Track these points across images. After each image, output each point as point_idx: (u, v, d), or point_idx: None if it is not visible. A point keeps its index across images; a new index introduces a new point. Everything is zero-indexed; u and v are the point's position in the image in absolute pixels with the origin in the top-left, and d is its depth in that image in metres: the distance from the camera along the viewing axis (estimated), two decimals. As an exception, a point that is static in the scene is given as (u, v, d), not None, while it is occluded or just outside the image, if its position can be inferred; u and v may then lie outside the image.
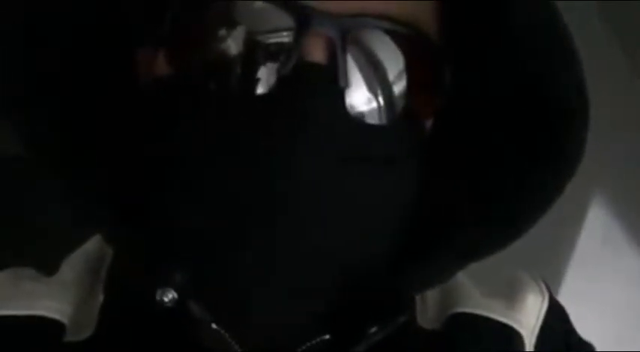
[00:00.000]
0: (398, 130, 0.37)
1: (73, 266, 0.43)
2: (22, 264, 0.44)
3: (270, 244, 0.34)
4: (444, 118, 0.40)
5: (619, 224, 1.02)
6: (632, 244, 1.03)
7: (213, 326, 0.36)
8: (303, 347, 0.37)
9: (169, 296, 0.35)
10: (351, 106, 0.35)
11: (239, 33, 0.35)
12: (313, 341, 0.37)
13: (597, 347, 0.46)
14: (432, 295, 0.43)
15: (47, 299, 0.40)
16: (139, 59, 0.40)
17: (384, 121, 0.36)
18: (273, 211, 0.34)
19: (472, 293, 0.43)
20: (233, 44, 0.35)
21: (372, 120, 0.36)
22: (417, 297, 0.43)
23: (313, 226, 0.34)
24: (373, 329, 0.37)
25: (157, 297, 0.35)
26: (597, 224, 1.01)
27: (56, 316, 0.40)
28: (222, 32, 0.35)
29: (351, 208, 0.35)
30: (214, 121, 0.35)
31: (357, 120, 0.35)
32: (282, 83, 0.34)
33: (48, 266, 0.43)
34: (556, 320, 0.44)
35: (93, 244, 0.44)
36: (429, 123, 0.40)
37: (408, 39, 0.36)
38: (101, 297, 0.41)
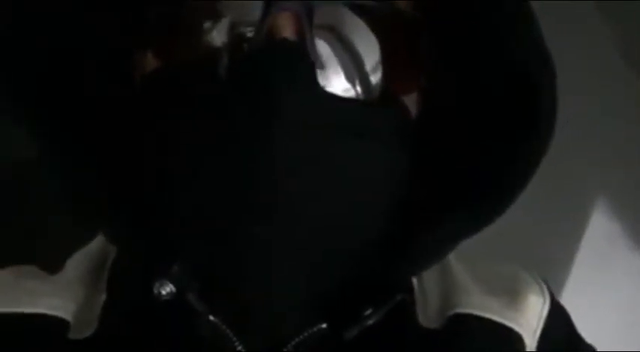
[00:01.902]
0: (375, 105, 0.37)
1: (76, 265, 0.44)
2: (26, 262, 0.45)
3: (264, 229, 0.35)
4: (427, 107, 0.41)
5: (623, 224, 1.01)
6: (637, 245, 1.03)
7: (211, 318, 0.37)
8: (301, 337, 0.38)
9: (167, 289, 0.36)
10: (324, 80, 0.35)
11: (213, 22, 0.36)
12: (310, 330, 0.38)
13: (601, 347, 0.46)
14: (433, 294, 0.43)
15: (51, 297, 0.41)
16: (135, 60, 0.40)
17: (360, 96, 0.37)
18: (259, 192, 0.34)
19: (473, 293, 0.43)
20: (214, 35, 0.36)
21: (347, 94, 0.36)
22: (418, 294, 0.43)
23: (304, 203, 0.35)
24: (368, 312, 0.38)
25: (155, 290, 0.36)
26: (602, 224, 1.01)
27: (60, 314, 0.40)
28: (204, 24, 0.36)
29: (337, 182, 0.36)
30: (197, 113, 0.35)
31: (330, 94, 0.36)
32: (251, 61, 0.35)
33: (52, 266, 0.44)
34: (558, 322, 0.45)
35: (97, 243, 0.45)
36: (412, 103, 0.40)
37: (379, 13, 0.37)
38: (104, 295, 0.41)
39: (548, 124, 0.39)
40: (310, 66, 0.35)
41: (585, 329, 0.46)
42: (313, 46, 0.35)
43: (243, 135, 0.34)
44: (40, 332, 0.39)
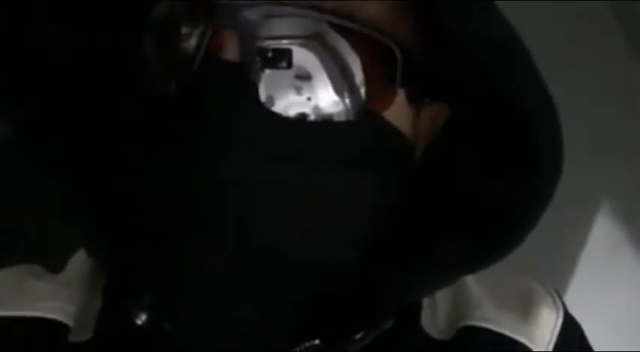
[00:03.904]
0: (322, 125, 0.36)
1: (78, 265, 0.43)
2: (28, 261, 0.44)
3: (220, 253, 0.34)
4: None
5: (626, 233, 1.01)
6: (639, 253, 1.02)
7: (191, 342, 0.36)
8: None
9: (142, 317, 0.37)
10: (309, 92, 0.35)
11: (192, 28, 0.35)
12: (302, 347, 0.37)
13: (604, 352, 0.45)
14: (443, 305, 0.42)
15: (51, 299, 0.40)
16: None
17: (349, 110, 0.36)
18: (207, 215, 0.34)
19: (484, 306, 0.42)
20: (192, 42, 0.35)
21: (335, 107, 0.35)
22: (426, 306, 0.42)
23: (253, 227, 0.34)
24: (359, 335, 0.37)
25: (132, 319, 0.36)
26: (604, 233, 1.01)
27: (59, 317, 0.40)
28: (182, 29, 0.35)
29: (286, 204, 0.35)
30: (143, 128, 0.35)
31: (276, 115, 0.34)
32: (191, 83, 0.34)
33: (55, 264, 0.44)
34: (571, 336, 0.43)
35: None
36: (398, 120, 0.38)
37: (359, 35, 0.36)
38: (100, 302, 0.41)
39: (552, 162, 0.37)
40: (251, 87, 0.34)
41: (589, 334, 0.45)
42: (255, 67, 0.34)
43: (187, 156, 0.34)
44: (39, 336, 0.39)
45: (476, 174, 0.39)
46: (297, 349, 0.37)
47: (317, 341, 0.37)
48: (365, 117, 0.36)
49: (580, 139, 0.84)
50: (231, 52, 0.34)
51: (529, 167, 0.37)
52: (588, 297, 0.92)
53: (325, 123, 0.35)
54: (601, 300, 0.95)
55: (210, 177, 0.33)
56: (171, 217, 0.35)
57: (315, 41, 0.35)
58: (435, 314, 0.42)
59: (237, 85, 0.33)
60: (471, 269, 0.39)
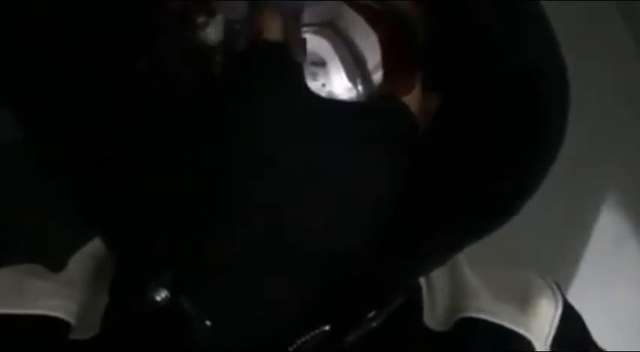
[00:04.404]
0: (374, 106, 0.37)
1: (80, 264, 0.43)
2: (28, 261, 0.44)
3: (244, 232, 0.34)
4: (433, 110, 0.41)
5: (629, 228, 1.01)
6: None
7: (207, 323, 0.36)
8: (302, 339, 0.37)
9: (161, 295, 0.36)
10: (324, 78, 0.35)
11: (207, 18, 0.35)
12: (312, 334, 0.37)
13: (609, 348, 0.45)
14: (442, 296, 0.43)
15: (52, 297, 0.40)
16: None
17: (361, 95, 0.36)
18: (242, 194, 0.34)
19: (483, 297, 0.42)
20: (208, 31, 0.35)
21: (349, 93, 0.36)
22: (426, 296, 0.42)
23: (288, 205, 0.34)
24: (371, 314, 0.37)
25: (149, 297, 0.36)
26: (608, 227, 1.01)
27: (61, 315, 0.40)
28: (198, 20, 0.35)
29: (326, 184, 0.35)
30: (186, 114, 0.35)
31: (317, 95, 0.35)
32: (236, 63, 0.34)
33: (55, 264, 0.43)
34: (571, 326, 0.43)
35: (99, 242, 0.44)
36: (413, 102, 0.39)
37: (379, 12, 0.36)
38: (106, 297, 0.41)
39: (557, 133, 0.38)
40: (296, 67, 0.34)
41: (592, 329, 0.45)
42: (300, 46, 0.35)
43: (229, 138, 0.34)
44: (40, 333, 0.39)
45: (482, 141, 0.40)
46: (308, 336, 0.37)
47: (327, 327, 0.37)
48: (382, 101, 0.37)
49: (584, 135, 0.84)
50: (274, 32, 0.34)
51: (537, 131, 0.38)
52: (592, 292, 0.92)
53: (356, 104, 0.36)
54: (605, 295, 0.95)
55: (248, 155, 0.33)
56: (197, 192, 0.35)
57: (328, 28, 0.36)
58: (434, 306, 0.42)
59: (283, 65, 0.34)
60: (473, 239, 0.39)
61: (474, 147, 0.40)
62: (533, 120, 0.38)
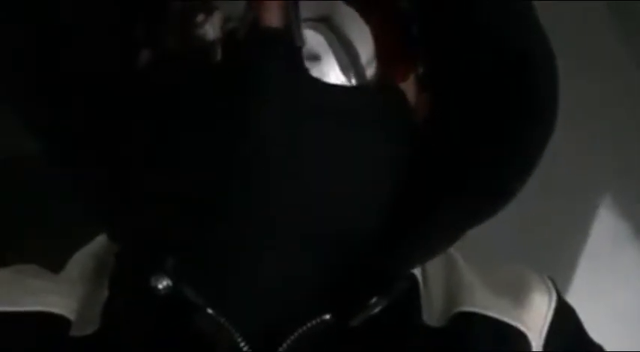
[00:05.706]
0: (368, 91, 0.37)
1: (79, 264, 0.44)
2: (28, 261, 0.44)
3: (246, 215, 0.35)
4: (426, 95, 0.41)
5: (629, 224, 1.01)
6: (642, 244, 1.02)
7: (209, 311, 0.36)
8: (304, 328, 0.37)
9: (164, 282, 0.36)
10: (318, 73, 0.36)
11: (206, 16, 0.36)
12: (313, 322, 0.37)
13: (608, 347, 0.45)
14: (438, 292, 0.43)
15: (52, 294, 0.41)
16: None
17: (350, 82, 0.37)
18: (242, 177, 0.34)
19: (478, 292, 0.43)
20: (207, 28, 0.36)
21: (336, 80, 0.36)
22: (423, 291, 0.43)
23: (285, 191, 0.35)
24: (373, 300, 0.38)
25: (152, 284, 0.36)
26: (607, 224, 1.01)
27: (61, 311, 0.40)
28: (197, 17, 0.36)
29: (327, 167, 0.36)
30: (188, 102, 0.36)
31: (318, 79, 0.36)
32: (237, 49, 0.35)
33: (54, 265, 0.44)
34: (565, 321, 0.44)
35: (99, 243, 0.45)
36: (410, 89, 0.40)
37: (367, 4, 0.37)
38: (106, 293, 0.41)
39: (550, 110, 0.39)
40: (296, 51, 0.35)
41: (591, 329, 0.45)
42: (299, 32, 0.35)
43: (231, 122, 0.34)
44: (40, 330, 0.39)
45: (475, 126, 0.41)
46: (309, 324, 0.37)
47: (328, 316, 0.37)
48: (381, 90, 0.38)
49: (583, 135, 0.85)
50: (275, 19, 0.35)
51: (529, 115, 0.39)
52: (591, 292, 0.92)
53: (355, 87, 0.37)
54: (605, 294, 0.96)
55: (249, 137, 0.34)
56: (201, 176, 0.35)
57: (323, 24, 0.36)
58: (430, 302, 0.42)
59: (283, 49, 0.35)
60: (471, 225, 0.40)
61: (470, 130, 0.41)
62: (524, 100, 0.39)
